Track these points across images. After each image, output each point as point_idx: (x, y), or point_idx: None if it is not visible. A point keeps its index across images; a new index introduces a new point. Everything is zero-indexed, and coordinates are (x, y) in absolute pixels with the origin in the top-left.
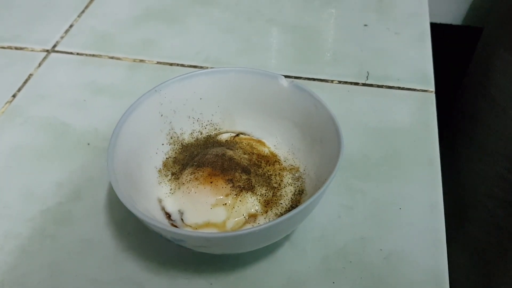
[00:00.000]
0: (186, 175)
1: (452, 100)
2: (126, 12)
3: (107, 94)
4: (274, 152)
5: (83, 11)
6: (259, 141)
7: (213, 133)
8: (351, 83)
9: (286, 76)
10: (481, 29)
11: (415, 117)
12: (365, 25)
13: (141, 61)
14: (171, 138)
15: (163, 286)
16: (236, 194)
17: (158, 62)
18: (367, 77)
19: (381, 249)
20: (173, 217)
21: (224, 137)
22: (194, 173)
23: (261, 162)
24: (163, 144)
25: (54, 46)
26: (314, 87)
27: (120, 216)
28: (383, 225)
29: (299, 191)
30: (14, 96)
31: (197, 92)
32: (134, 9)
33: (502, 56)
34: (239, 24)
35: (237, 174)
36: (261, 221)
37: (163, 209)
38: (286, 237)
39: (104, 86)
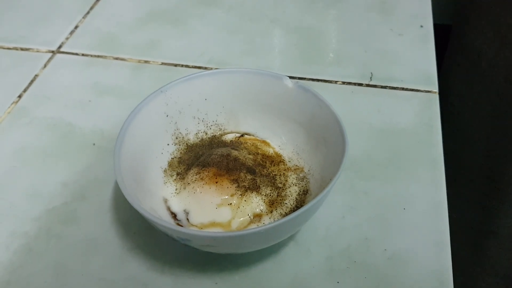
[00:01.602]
0: (191, 175)
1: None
2: (131, 13)
3: (112, 94)
4: (278, 152)
5: (88, 12)
6: (264, 142)
7: (218, 133)
8: (355, 84)
9: (290, 77)
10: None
11: (418, 118)
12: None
13: (146, 62)
14: (177, 138)
15: (169, 285)
16: (241, 194)
17: (162, 63)
18: (370, 78)
19: (385, 249)
20: (178, 217)
21: (229, 137)
22: (199, 173)
23: (265, 162)
24: (168, 144)
25: (60, 47)
26: (318, 88)
27: (125, 216)
28: (387, 226)
29: (303, 191)
30: (19, 96)
31: (202, 93)
32: (138, 10)
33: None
34: (243, 25)
35: (242, 174)
36: (266, 221)
37: (168, 209)
38: (291, 237)
39: (109, 86)
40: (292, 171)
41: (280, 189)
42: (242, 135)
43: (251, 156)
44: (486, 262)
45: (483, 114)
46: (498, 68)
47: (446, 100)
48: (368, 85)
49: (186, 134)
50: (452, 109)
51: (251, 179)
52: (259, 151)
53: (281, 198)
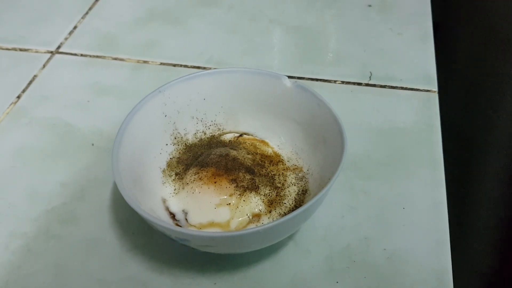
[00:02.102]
0: (190, 175)
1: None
2: (130, 13)
3: (111, 95)
4: (277, 152)
5: (87, 13)
6: (263, 141)
7: (216, 133)
8: (354, 83)
9: (289, 77)
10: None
11: (418, 117)
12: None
13: (145, 62)
14: (175, 138)
15: (167, 285)
16: (240, 194)
17: (161, 63)
18: (370, 77)
19: (384, 249)
20: (177, 217)
21: (227, 137)
22: (198, 173)
23: (264, 162)
24: (167, 145)
25: (58, 47)
26: (317, 88)
27: (124, 216)
28: (387, 225)
29: (302, 191)
30: (18, 97)
31: (201, 92)
32: (137, 10)
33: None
34: (242, 24)
35: (240, 174)
36: (265, 220)
37: (167, 209)
38: (290, 237)
39: (108, 87)
40: (291, 171)
41: (279, 189)
42: (241, 135)
43: (250, 156)
44: (466, 257)
45: (460, 106)
46: (476, 60)
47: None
48: (367, 85)
49: (185, 134)
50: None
51: (250, 179)
52: (258, 151)
53: (280, 198)
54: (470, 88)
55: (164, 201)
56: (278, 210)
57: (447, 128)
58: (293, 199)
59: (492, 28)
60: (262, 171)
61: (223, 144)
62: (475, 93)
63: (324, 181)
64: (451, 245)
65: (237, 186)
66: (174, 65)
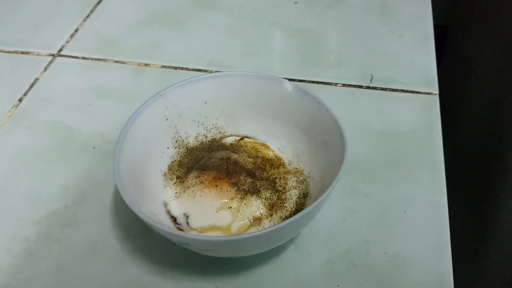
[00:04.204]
0: (191, 179)
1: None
2: (131, 16)
3: (113, 97)
4: (278, 155)
5: (88, 16)
6: (264, 145)
7: (217, 136)
8: (355, 86)
9: (290, 79)
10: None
11: (419, 120)
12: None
13: (146, 65)
14: (176, 141)
15: None
16: (241, 198)
17: (162, 66)
18: (370, 80)
19: (385, 252)
20: (178, 221)
21: (228, 140)
22: (199, 176)
23: (265, 165)
24: (168, 148)
25: (60, 50)
26: (318, 90)
27: (125, 219)
28: (388, 228)
29: (303, 194)
30: (20, 100)
31: (202, 96)
32: (138, 13)
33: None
34: (243, 27)
35: (242, 177)
36: (266, 224)
37: (168, 212)
38: (291, 240)
39: (109, 90)
40: (292, 174)
41: (280, 192)
42: (242, 138)
43: (251, 159)
44: (485, 267)
45: (477, 117)
46: (490, 71)
47: (443, 102)
48: (368, 87)
49: (186, 138)
50: (448, 111)
51: (251, 182)
52: (259, 154)
53: (281, 201)
54: (471, 90)
55: (165, 204)
56: (279, 213)
57: (448, 131)
58: (294, 202)
59: (494, 29)
60: (263, 174)
61: (224, 147)
62: (476, 95)
63: (325, 184)
64: (472, 254)
65: (238, 189)
66: (175, 68)
